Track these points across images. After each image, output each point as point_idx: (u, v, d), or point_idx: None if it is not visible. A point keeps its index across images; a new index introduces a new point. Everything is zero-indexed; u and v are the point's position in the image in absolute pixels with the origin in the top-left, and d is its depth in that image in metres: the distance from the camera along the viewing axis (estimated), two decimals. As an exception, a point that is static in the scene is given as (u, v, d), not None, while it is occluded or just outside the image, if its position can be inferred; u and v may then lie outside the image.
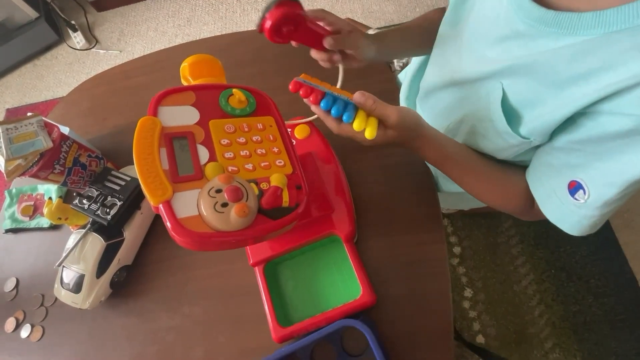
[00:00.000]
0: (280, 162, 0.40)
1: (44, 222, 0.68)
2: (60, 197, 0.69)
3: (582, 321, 0.98)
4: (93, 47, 1.88)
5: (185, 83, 0.46)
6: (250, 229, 0.33)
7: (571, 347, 0.96)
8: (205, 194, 0.33)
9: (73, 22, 1.89)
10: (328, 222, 0.50)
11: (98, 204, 0.55)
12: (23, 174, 0.55)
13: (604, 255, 1.04)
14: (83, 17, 1.95)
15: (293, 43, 0.48)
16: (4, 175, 0.53)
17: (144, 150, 0.33)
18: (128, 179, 0.58)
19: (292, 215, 0.36)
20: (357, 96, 0.39)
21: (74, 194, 0.68)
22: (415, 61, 0.70)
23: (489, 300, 1.04)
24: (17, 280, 0.65)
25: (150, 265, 0.59)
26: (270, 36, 0.44)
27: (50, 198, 0.69)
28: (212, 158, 0.36)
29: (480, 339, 1.00)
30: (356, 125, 0.38)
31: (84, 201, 0.56)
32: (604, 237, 1.05)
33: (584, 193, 0.36)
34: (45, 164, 0.55)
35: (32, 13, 1.77)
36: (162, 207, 0.31)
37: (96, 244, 0.54)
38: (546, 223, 0.43)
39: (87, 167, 0.61)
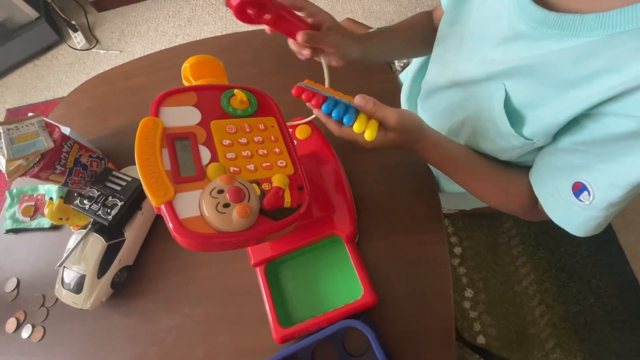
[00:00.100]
0: (281, 163, 0.40)
1: (45, 222, 0.68)
2: (61, 197, 0.69)
3: (582, 321, 0.98)
4: (93, 47, 1.88)
5: (186, 83, 0.46)
6: (252, 230, 0.33)
7: (572, 348, 0.96)
8: (207, 194, 0.33)
9: (73, 22, 1.89)
10: (329, 223, 0.50)
11: (99, 205, 0.55)
12: (24, 174, 0.55)
13: (605, 256, 1.04)
14: (83, 17, 1.95)
15: (267, 29, 0.46)
16: (5, 175, 0.53)
17: (145, 151, 0.33)
18: (129, 179, 0.58)
19: (294, 215, 0.36)
20: (358, 99, 0.39)
21: (75, 195, 0.68)
22: (416, 61, 0.70)
23: (489, 300, 1.04)
24: (18, 281, 0.65)
25: (151, 266, 0.59)
26: (237, 15, 0.43)
27: (51, 198, 0.69)
28: (214, 159, 0.36)
29: (481, 339, 1.00)
30: (356, 127, 0.39)
31: (85, 201, 0.56)
32: (604, 237, 1.05)
33: (589, 194, 0.36)
34: (46, 165, 0.55)
35: (32, 13, 1.76)
36: (164, 208, 0.31)
37: (97, 244, 0.54)
38: (547, 223, 0.43)
39: (88, 167, 0.61)
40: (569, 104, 0.34)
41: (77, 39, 1.87)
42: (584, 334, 0.97)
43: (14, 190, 0.73)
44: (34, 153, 0.54)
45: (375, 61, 0.56)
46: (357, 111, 0.40)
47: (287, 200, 0.36)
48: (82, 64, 1.86)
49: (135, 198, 0.57)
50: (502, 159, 0.48)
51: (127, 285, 0.58)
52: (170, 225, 0.31)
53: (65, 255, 0.54)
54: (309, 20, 0.47)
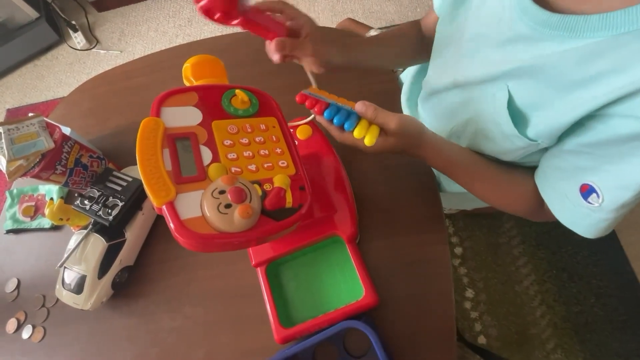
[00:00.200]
0: (283, 163, 0.39)
1: (45, 222, 0.68)
2: (61, 197, 0.69)
3: (583, 322, 0.98)
4: (94, 47, 1.88)
5: (187, 84, 0.46)
6: (254, 230, 0.33)
7: (573, 348, 0.96)
8: (208, 195, 0.32)
9: (74, 22, 1.89)
10: (330, 223, 0.50)
11: (99, 205, 0.55)
12: (24, 174, 0.55)
13: (606, 256, 1.04)
14: (84, 17, 1.95)
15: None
16: (6, 175, 0.53)
17: (147, 151, 0.33)
18: (129, 179, 0.58)
19: (295, 216, 0.36)
20: (359, 105, 0.40)
21: (76, 195, 0.68)
22: (417, 62, 0.70)
23: (490, 300, 1.04)
24: (19, 281, 0.64)
25: (151, 266, 0.59)
26: (206, 18, 0.41)
27: (51, 199, 0.69)
28: (215, 159, 0.36)
29: (481, 340, 1.00)
30: (356, 133, 0.40)
31: (86, 202, 0.55)
32: (605, 237, 1.04)
33: (598, 196, 0.36)
34: (46, 165, 0.55)
35: (32, 13, 1.76)
36: (165, 209, 0.31)
37: (98, 244, 0.54)
38: (547, 224, 0.43)
39: (88, 167, 0.61)
40: (574, 105, 0.34)
41: (78, 39, 1.87)
42: (585, 335, 0.97)
43: (15, 191, 0.73)
44: (35, 153, 0.54)
45: (359, 68, 0.55)
46: (358, 117, 0.41)
47: (289, 201, 0.36)
48: (82, 64, 1.86)
49: (136, 198, 0.57)
50: (505, 160, 0.47)
51: (127, 285, 0.58)
52: (171, 225, 0.31)
53: (65, 255, 0.54)
54: (287, 23, 0.45)
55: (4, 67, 1.89)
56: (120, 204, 0.55)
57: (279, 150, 0.40)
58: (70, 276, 0.54)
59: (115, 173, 0.59)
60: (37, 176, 0.56)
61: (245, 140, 0.39)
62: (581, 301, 1.00)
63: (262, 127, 0.41)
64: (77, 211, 0.56)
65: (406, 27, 0.61)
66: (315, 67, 0.48)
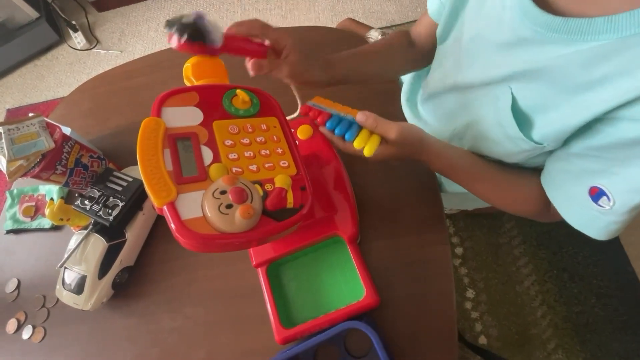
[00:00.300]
0: (284, 163, 0.39)
1: (46, 222, 0.68)
2: (61, 197, 0.68)
3: (584, 322, 0.98)
4: (94, 47, 1.88)
5: (188, 84, 0.46)
6: (255, 231, 0.33)
7: (574, 348, 0.96)
8: (209, 195, 0.32)
9: (74, 22, 1.89)
10: (331, 223, 0.50)
11: (100, 205, 0.55)
12: (25, 174, 0.55)
13: (607, 256, 1.04)
14: (84, 17, 1.95)
15: None
16: (6, 176, 0.53)
17: (147, 152, 0.33)
18: (130, 179, 0.58)
19: (296, 216, 0.36)
20: (359, 116, 0.41)
21: (76, 195, 0.67)
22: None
23: (491, 301, 1.04)
24: (19, 281, 0.64)
25: (152, 267, 0.59)
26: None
27: (51, 199, 0.69)
28: (216, 159, 0.36)
29: (482, 340, 1.00)
30: (356, 143, 0.41)
31: (86, 202, 0.55)
32: (606, 237, 1.05)
33: (608, 199, 0.35)
34: (47, 165, 0.55)
35: (32, 13, 1.76)
36: (166, 209, 0.31)
37: (98, 245, 0.54)
38: (548, 224, 0.43)
39: (88, 167, 0.61)
40: (581, 107, 0.33)
41: (78, 39, 1.87)
42: (586, 335, 0.97)
43: (15, 191, 0.72)
44: (35, 153, 0.54)
45: (348, 83, 0.54)
46: (360, 127, 0.42)
47: (290, 201, 0.36)
48: (82, 64, 1.86)
49: (136, 198, 0.57)
50: (509, 162, 0.47)
51: (128, 286, 0.58)
52: (172, 226, 0.31)
53: (66, 255, 0.54)
54: (267, 42, 0.44)
55: (4, 67, 1.89)
56: (121, 204, 0.55)
57: (280, 150, 0.40)
58: (70, 276, 0.54)
59: (115, 173, 0.59)
60: (37, 176, 0.56)
61: (246, 140, 0.39)
62: (582, 301, 1.00)
63: (263, 127, 0.41)
64: (77, 211, 0.56)
65: (394, 38, 0.60)
66: (295, 82, 0.47)
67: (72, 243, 0.55)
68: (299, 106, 0.53)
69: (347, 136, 0.41)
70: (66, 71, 1.86)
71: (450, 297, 0.48)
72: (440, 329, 0.47)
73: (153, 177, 0.32)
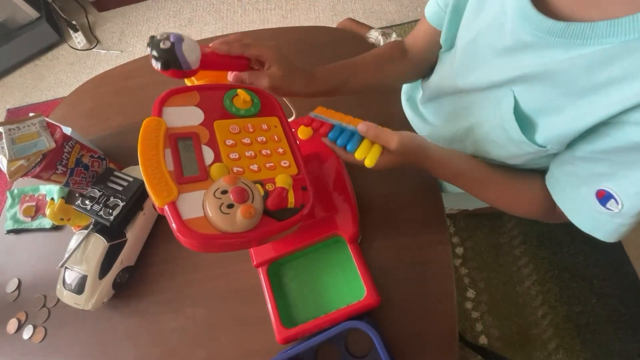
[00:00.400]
0: (285, 163, 0.39)
1: (46, 222, 0.68)
2: (62, 197, 0.68)
3: (585, 322, 0.98)
4: (94, 47, 1.88)
5: (188, 83, 0.46)
6: (256, 231, 0.33)
7: (575, 348, 0.96)
8: (210, 195, 0.32)
9: (74, 22, 1.89)
10: (332, 223, 0.50)
11: (100, 205, 0.55)
12: (25, 174, 0.54)
13: (607, 256, 1.03)
14: (84, 17, 1.95)
15: None
16: (7, 175, 0.53)
17: (148, 151, 0.33)
18: (130, 179, 0.58)
19: (297, 216, 0.36)
20: (360, 126, 0.41)
21: (76, 195, 0.67)
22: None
23: (491, 301, 1.03)
24: (19, 281, 0.64)
25: (152, 267, 0.59)
26: None
27: (52, 199, 0.69)
28: (217, 159, 0.36)
29: (483, 340, 1.00)
30: (357, 155, 0.41)
31: (87, 202, 0.55)
32: (607, 237, 1.05)
33: (617, 203, 0.35)
34: (47, 165, 0.55)
35: (33, 13, 1.76)
36: (167, 209, 0.31)
37: (99, 244, 0.54)
38: (548, 224, 0.42)
39: (89, 167, 0.61)
40: (586, 111, 0.33)
41: (78, 39, 1.87)
42: (587, 335, 0.97)
43: (15, 191, 0.72)
44: (36, 153, 0.54)
45: (335, 95, 0.53)
46: (361, 137, 0.42)
47: (291, 201, 0.36)
48: (82, 64, 1.86)
49: (137, 198, 0.57)
50: (511, 164, 0.46)
51: (128, 286, 0.58)
52: (173, 225, 0.31)
53: (66, 255, 0.54)
54: (247, 55, 0.44)
55: (4, 67, 1.89)
56: (121, 204, 0.55)
57: (281, 150, 0.40)
58: (71, 276, 0.54)
59: (116, 173, 0.59)
60: (38, 176, 0.56)
61: (247, 140, 0.39)
62: (582, 301, 1.00)
63: (264, 126, 0.41)
64: (78, 211, 0.56)
65: (386, 49, 0.59)
66: (279, 93, 0.46)
67: (73, 243, 0.55)
68: (293, 113, 0.53)
69: (348, 147, 0.41)
70: (66, 71, 1.86)
71: (451, 297, 0.48)
72: (441, 328, 0.47)
73: (154, 177, 0.32)
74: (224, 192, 0.32)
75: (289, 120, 0.48)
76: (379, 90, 0.60)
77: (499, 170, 0.47)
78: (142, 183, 0.32)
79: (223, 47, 0.41)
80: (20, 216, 0.69)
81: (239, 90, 0.42)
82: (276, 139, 0.41)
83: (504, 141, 0.42)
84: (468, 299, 1.05)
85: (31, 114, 0.57)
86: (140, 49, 1.83)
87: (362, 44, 0.75)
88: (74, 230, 0.61)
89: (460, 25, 0.47)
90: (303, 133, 0.56)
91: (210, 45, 0.41)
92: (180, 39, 0.37)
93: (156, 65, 0.38)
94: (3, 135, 0.54)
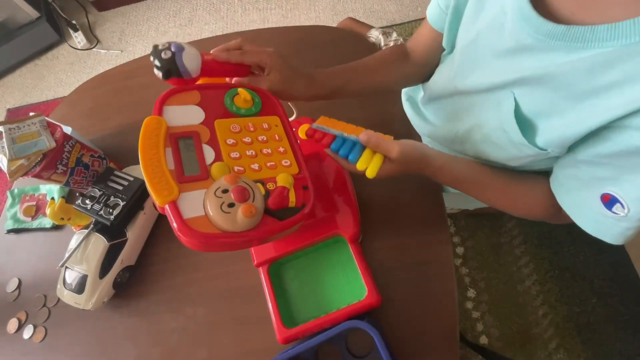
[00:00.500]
0: (286, 162, 0.39)
1: (46, 222, 0.67)
2: (62, 197, 0.68)
3: (586, 322, 0.98)
4: (94, 47, 1.88)
5: (189, 82, 0.46)
6: (257, 230, 0.33)
7: (575, 348, 0.96)
8: (211, 194, 0.32)
9: (74, 22, 1.88)
10: (333, 223, 0.49)
11: (101, 204, 0.55)
12: (26, 174, 0.54)
13: (608, 256, 1.03)
14: (84, 17, 1.95)
15: None
16: (7, 175, 0.53)
17: (149, 150, 0.33)
18: (131, 179, 0.58)
19: (298, 215, 0.36)
20: (362, 136, 0.41)
21: (77, 194, 0.67)
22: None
23: (492, 300, 1.03)
24: (20, 281, 0.64)
25: (153, 266, 0.59)
26: None
27: (52, 198, 0.69)
28: (218, 158, 0.36)
29: (483, 340, 1.00)
30: (359, 165, 0.42)
31: (87, 201, 0.55)
32: (607, 237, 1.04)
33: (623, 207, 0.35)
34: (48, 164, 0.55)
35: (33, 13, 1.76)
36: (168, 208, 0.31)
37: (99, 244, 0.54)
38: (548, 223, 0.42)
39: (89, 167, 0.61)
40: (586, 115, 0.33)
41: (78, 38, 1.87)
42: (587, 334, 0.97)
43: (16, 190, 0.72)
44: (36, 153, 0.54)
45: (336, 98, 0.53)
46: (363, 146, 0.42)
47: (292, 200, 0.36)
48: (82, 63, 1.86)
49: (137, 198, 0.57)
50: (512, 165, 0.46)
51: (129, 285, 0.58)
52: (174, 225, 0.31)
53: (67, 255, 0.54)
54: (246, 61, 0.44)
55: (4, 66, 1.89)
56: (122, 203, 0.55)
57: (281, 149, 0.40)
58: (71, 276, 0.54)
59: (116, 172, 0.59)
60: (38, 175, 0.56)
61: (248, 139, 0.39)
62: (583, 301, 1.00)
63: (265, 125, 0.41)
64: (78, 211, 0.56)
65: (388, 53, 0.59)
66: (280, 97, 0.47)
67: (73, 242, 0.55)
68: (294, 112, 0.53)
69: (350, 157, 0.42)
70: (66, 71, 1.86)
71: (452, 296, 0.48)
72: (442, 328, 0.47)
73: (155, 176, 0.31)
74: (225, 191, 0.32)
75: (290, 119, 0.48)
76: (386, 90, 0.60)
77: (502, 174, 0.47)
78: (143, 182, 0.32)
79: (223, 55, 0.42)
80: (21, 216, 0.69)
81: (239, 89, 0.41)
82: (277, 138, 0.41)
83: (505, 143, 0.42)
84: (469, 298, 1.05)
85: (31, 114, 0.57)
86: (140, 49, 1.83)
87: (363, 43, 0.75)
88: (74, 230, 0.61)
89: (460, 26, 0.47)
90: (304, 132, 0.56)
91: (210, 52, 0.42)
92: (180, 48, 0.39)
93: (158, 74, 0.39)
94: (3, 134, 0.53)
